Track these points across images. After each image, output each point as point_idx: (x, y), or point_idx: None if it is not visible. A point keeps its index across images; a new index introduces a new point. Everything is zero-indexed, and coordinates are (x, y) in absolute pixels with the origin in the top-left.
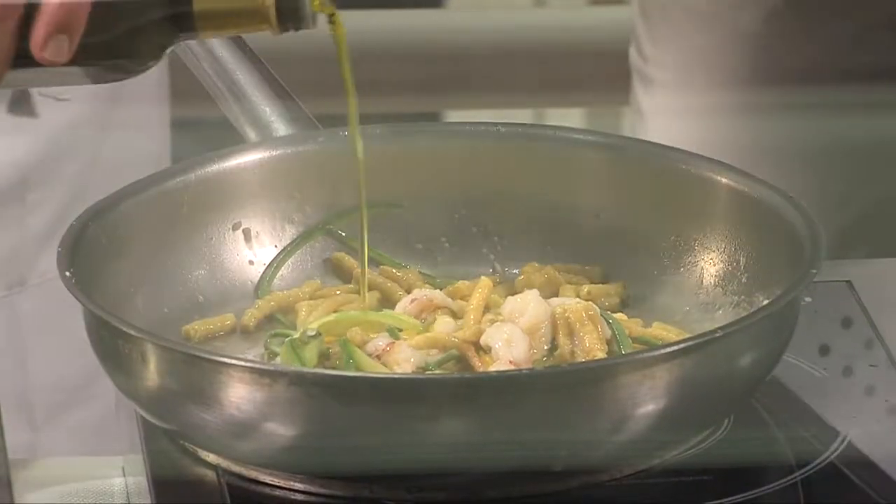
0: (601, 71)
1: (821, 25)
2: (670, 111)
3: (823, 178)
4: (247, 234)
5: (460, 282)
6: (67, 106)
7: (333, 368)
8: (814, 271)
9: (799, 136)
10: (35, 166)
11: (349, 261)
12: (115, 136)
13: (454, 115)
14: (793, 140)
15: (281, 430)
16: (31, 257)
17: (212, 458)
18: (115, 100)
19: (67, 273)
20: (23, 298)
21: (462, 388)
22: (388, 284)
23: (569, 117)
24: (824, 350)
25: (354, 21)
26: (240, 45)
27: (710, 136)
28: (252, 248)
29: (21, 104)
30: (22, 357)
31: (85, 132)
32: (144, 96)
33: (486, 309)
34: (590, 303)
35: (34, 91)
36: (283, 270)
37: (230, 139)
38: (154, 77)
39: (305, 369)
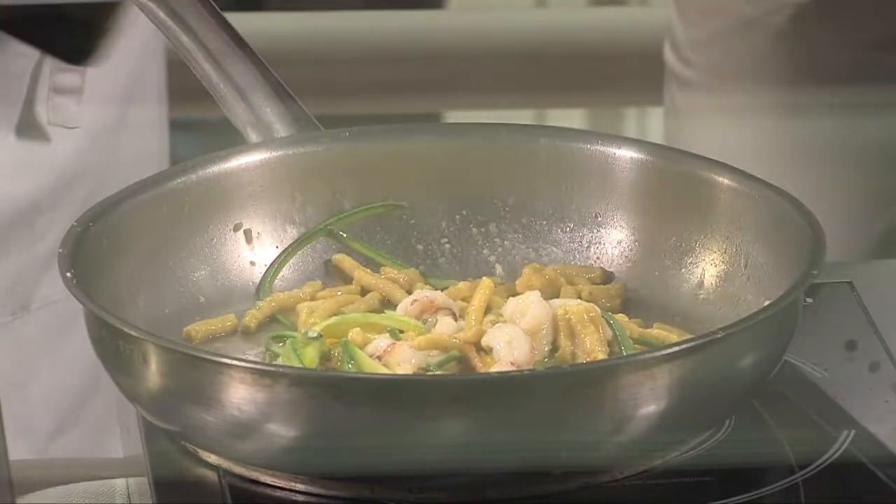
0: (602, 72)
1: (856, 29)
2: (709, 114)
3: (834, 178)
4: (248, 235)
5: (461, 283)
6: (74, 134)
7: (334, 369)
8: (815, 272)
9: (808, 133)
10: (46, 193)
11: (350, 262)
12: (121, 152)
13: (455, 116)
14: (803, 137)
15: (282, 431)
16: (34, 282)
17: (213, 458)
18: (123, 101)
19: (68, 274)
20: (25, 322)
21: (463, 389)
22: (390, 285)
23: (569, 118)
24: (825, 351)
25: (356, 22)
26: (241, 46)
27: (746, 137)
28: (253, 249)
29: (31, 129)
30: (25, 380)
31: (93, 157)
32: (146, 97)
33: (488, 310)
34: (591, 304)
35: (44, 119)
36: (285, 271)
37: (230, 140)
38: (153, 79)
39: (306, 370)
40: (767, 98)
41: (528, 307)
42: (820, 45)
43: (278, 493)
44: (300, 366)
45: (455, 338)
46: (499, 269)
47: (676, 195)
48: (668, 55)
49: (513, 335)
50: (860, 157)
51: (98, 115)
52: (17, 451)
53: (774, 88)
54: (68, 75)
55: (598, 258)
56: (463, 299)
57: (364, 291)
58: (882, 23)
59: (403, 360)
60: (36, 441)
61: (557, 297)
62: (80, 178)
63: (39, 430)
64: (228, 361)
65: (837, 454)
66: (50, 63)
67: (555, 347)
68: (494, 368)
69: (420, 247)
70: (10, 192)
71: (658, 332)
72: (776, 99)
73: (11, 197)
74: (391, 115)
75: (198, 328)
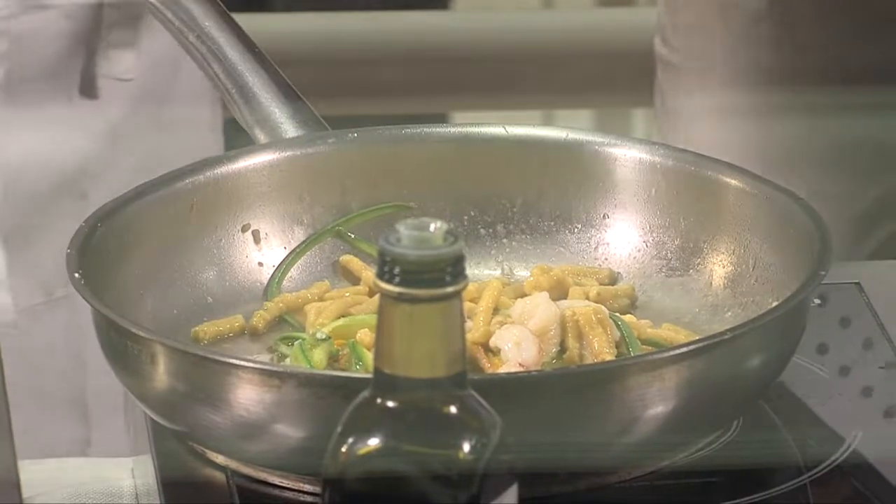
0: (609, 72)
1: (833, 17)
2: (694, 99)
3: (835, 178)
4: (256, 236)
5: (469, 283)
6: (124, 98)
7: (342, 370)
8: (822, 273)
9: (813, 133)
10: (93, 166)
11: (358, 263)
12: (169, 137)
13: (462, 117)
14: (808, 137)
15: (290, 433)
16: None
17: (221, 459)
18: (167, 100)
19: (77, 274)
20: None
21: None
22: None
23: (577, 119)
24: (833, 352)
25: (362, 23)
26: (249, 47)
27: (732, 125)
28: (261, 250)
29: (85, 86)
30: (82, 358)
31: (141, 128)
32: (195, 95)
33: (496, 311)
34: (599, 305)
35: (99, 72)
36: (292, 272)
37: (238, 141)
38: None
39: (314, 371)
40: (747, 85)
41: (536, 308)
42: (800, 32)
43: (286, 494)
44: (308, 367)
45: None
46: (506, 269)
47: (685, 196)
48: (656, 42)
49: (521, 336)
50: (861, 156)
51: (150, 73)
52: (72, 429)
53: (753, 76)
54: (123, 31)
55: (605, 259)
56: (471, 300)
57: (372, 292)
58: (860, 8)
59: None
60: (89, 418)
61: (565, 298)
62: (127, 151)
63: (94, 408)
64: (236, 362)
65: (845, 455)
66: (107, 16)
67: (563, 348)
68: (503, 369)
69: None
70: (58, 159)
71: (666, 332)
72: (756, 87)
73: (59, 164)
74: (399, 116)
75: (206, 329)
